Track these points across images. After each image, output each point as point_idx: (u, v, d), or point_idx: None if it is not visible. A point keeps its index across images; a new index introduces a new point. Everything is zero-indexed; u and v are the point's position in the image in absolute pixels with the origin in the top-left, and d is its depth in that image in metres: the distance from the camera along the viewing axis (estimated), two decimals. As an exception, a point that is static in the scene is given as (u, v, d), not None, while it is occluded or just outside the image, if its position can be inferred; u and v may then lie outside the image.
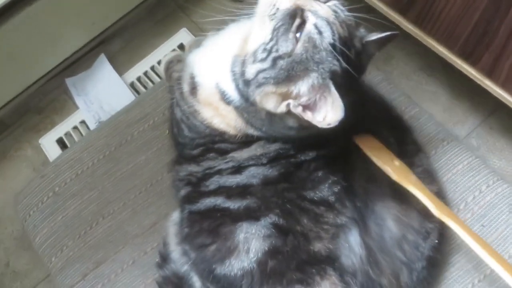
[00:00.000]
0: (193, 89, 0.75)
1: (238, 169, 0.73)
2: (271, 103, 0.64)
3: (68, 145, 1.13)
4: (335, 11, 0.64)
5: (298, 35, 0.62)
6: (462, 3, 0.73)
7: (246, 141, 0.73)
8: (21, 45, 1.06)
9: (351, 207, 0.70)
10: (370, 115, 0.78)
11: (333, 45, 0.61)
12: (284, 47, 0.62)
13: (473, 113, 1.07)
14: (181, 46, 1.21)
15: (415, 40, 0.91)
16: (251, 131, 0.71)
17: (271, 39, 0.63)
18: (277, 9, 0.63)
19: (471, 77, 0.83)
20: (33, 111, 1.20)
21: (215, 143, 0.75)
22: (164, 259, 0.84)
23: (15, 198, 0.98)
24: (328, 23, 0.62)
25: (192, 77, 0.76)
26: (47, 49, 1.11)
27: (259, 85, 0.64)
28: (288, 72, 0.61)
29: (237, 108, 0.70)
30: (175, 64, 1.03)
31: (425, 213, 0.73)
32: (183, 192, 0.80)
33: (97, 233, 0.92)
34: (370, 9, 1.00)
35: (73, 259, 0.91)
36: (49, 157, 1.13)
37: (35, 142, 1.16)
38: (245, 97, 0.67)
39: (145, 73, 1.20)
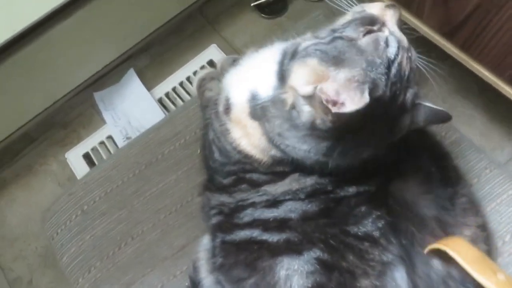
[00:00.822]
0: (227, 109, 0.74)
1: (274, 203, 0.70)
2: (302, 77, 0.60)
3: (95, 160, 1.11)
4: (409, 48, 0.64)
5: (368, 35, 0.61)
6: (516, 31, 0.70)
7: (276, 172, 0.70)
8: (52, 59, 1.05)
9: (397, 244, 0.67)
10: (410, 143, 0.76)
11: (390, 62, 0.60)
12: (350, 32, 0.62)
13: (512, 138, 1.04)
14: (211, 62, 1.20)
15: (452, 62, 0.88)
16: (273, 152, 0.68)
17: (342, 25, 0.64)
18: (364, 10, 0.66)
19: (519, 104, 0.80)
20: (60, 125, 1.19)
21: (246, 172, 0.73)
22: (195, 285, 0.81)
23: (43, 215, 0.96)
24: (399, 45, 0.62)
25: (227, 99, 0.74)
26: (77, 64, 1.10)
27: (305, 55, 0.61)
28: (339, 53, 0.59)
29: (262, 117, 0.67)
30: (208, 81, 1.01)
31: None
32: (214, 220, 0.77)
33: (126, 254, 0.90)
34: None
35: (101, 281, 0.89)
36: (75, 172, 1.11)
37: (61, 156, 1.14)
38: (282, 75, 0.64)
39: (174, 89, 1.18)
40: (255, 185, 0.72)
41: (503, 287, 0.61)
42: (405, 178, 0.73)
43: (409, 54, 0.63)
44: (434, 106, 0.66)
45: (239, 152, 0.72)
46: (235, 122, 0.72)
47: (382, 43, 0.61)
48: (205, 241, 0.81)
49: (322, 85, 0.57)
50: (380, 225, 0.67)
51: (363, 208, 0.68)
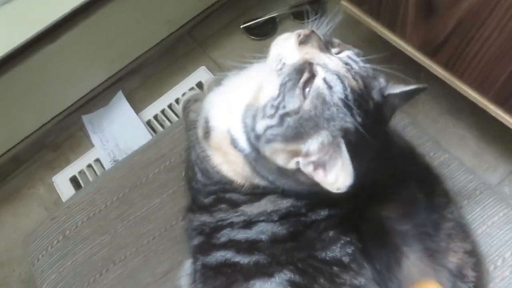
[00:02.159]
0: (206, 133, 0.73)
1: (248, 224, 0.70)
2: (280, 159, 0.61)
3: (82, 184, 1.10)
4: (347, 63, 0.60)
5: (307, 90, 0.58)
6: (498, 48, 0.69)
7: (255, 193, 0.69)
8: (39, 82, 1.05)
9: (370, 268, 0.65)
10: (396, 167, 0.74)
11: (344, 101, 0.57)
12: (291, 103, 0.58)
13: (505, 158, 1.02)
14: (200, 85, 1.19)
15: (442, 82, 0.87)
16: (257, 180, 0.68)
17: (278, 95, 0.60)
18: (284, 64, 0.60)
19: (507, 124, 0.79)
20: (49, 148, 1.18)
21: (226, 191, 0.72)
22: (178, 312, 0.79)
23: (25, 240, 0.94)
24: (339, 77, 0.58)
25: (207, 122, 0.73)
26: (65, 87, 1.10)
27: (268, 141, 0.61)
28: (297, 130, 0.58)
29: (246, 157, 0.67)
30: (192, 103, 1.00)
31: (457, 272, 0.68)
32: (195, 241, 0.76)
33: (107, 281, 0.88)
34: (391, 59, 0.98)
35: (81, 308, 0.86)
36: (61, 196, 1.10)
37: (48, 180, 1.13)
38: (256, 150, 0.64)
39: (163, 111, 1.18)
40: (234, 205, 0.71)
41: None
42: (385, 204, 0.70)
43: (352, 71, 0.60)
44: (404, 89, 0.63)
45: (222, 177, 0.71)
46: (215, 148, 0.71)
47: (325, 91, 0.57)
48: (187, 265, 0.79)
49: (300, 160, 0.59)
50: (349, 250, 0.65)
51: (330, 233, 0.66)
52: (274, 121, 0.60)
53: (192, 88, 1.19)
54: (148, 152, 0.99)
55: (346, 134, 0.57)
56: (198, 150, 0.74)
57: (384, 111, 0.63)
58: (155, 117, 1.18)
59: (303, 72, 0.59)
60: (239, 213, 0.70)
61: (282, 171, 0.63)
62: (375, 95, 0.62)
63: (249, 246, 0.68)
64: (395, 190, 0.71)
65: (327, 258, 0.65)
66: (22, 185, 1.15)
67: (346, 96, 0.58)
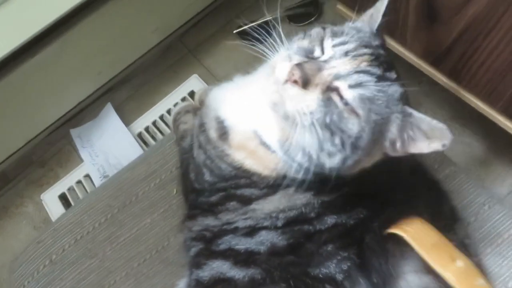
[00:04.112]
0: (223, 134, 0.69)
1: (252, 231, 0.66)
2: (365, 164, 0.61)
3: (71, 201, 1.06)
4: (346, 52, 0.58)
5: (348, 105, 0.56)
6: (507, 58, 0.64)
7: (275, 185, 0.66)
8: (25, 96, 1.00)
9: (366, 284, 0.62)
10: (406, 185, 0.70)
11: (379, 78, 0.56)
12: (352, 128, 0.56)
13: (514, 167, 0.96)
14: (192, 94, 1.14)
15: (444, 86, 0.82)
16: (297, 175, 0.64)
17: (332, 134, 0.56)
18: (310, 113, 0.56)
19: (517, 136, 0.73)
20: (37, 164, 1.14)
21: (238, 187, 0.69)
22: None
23: (11, 265, 0.90)
24: (356, 70, 0.56)
25: (220, 121, 0.69)
26: (52, 100, 1.05)
27: (349, 168, 0.60)
28: (373, 136, 0.57)
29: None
30: (183, 115, 0.96)
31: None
32: (193, 250, 0.73)
33: (97, 308, 0.84)
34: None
35: (69, 338, 0.82)
36: (50, 214, 1.06)
37: (37, 197, 1.09)
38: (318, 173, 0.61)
39: (154, 123, 1.13)
40: (245, 201, 0.68)
41: (461, 275, 0.57)
42: (391, 218, 0.67)
43: (352, 53, 0.58)
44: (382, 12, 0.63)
45: (240, 171, 0.68)
46: (237, 147, 0.68)
47: (360, 91, 0.56)
48: (182, 284, 0.75)
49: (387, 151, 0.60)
50: (345, 267, 0.62)
51: (329, 247, 0.63)
52: (347, 151, 0.58)
53: (184, 98, 1.14)
54: (138, 169, 0.94)
55: (403, 100, 0.57)
56: (210, 151, 0.71)
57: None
58: (146, 129, 1.13)
59: (331, 98, 0.56)
60: (247, 214, 0.67)
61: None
62: (373, 41, 0.61)
63: (247, 258, 0.65)
64: (403, 209, 0.68)
65: (320, 275, 0.62)
66: (10, 204, 1.11)
67: (378, 74, 0.57)
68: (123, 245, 0.88)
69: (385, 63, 0.58)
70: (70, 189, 1.08)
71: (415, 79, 1.00)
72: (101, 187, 0.95)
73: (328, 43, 0.59)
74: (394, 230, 0.61)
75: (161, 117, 1.13)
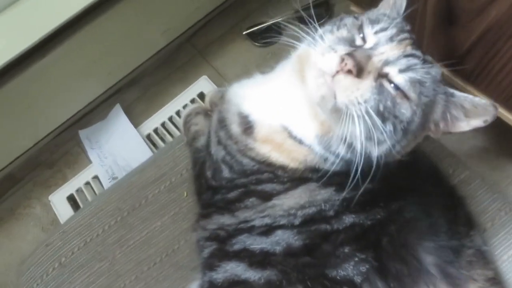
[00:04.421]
0: (248, 128, 0.68)
1: (268, 230, 0.66)
2: (409, 147, 0.61)
3: (79, 203, 1.05)
4: (391, 38, 0.58)
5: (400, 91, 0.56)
6: (528, 62, 0.62)
7: (300, 178, 0.66)
8: (34, 98, 1.00)
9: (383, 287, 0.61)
10: (423, 188, 0.69)
11: (424, 62, 0.58)
12: (405, 113, 0.57)
13: (529, 172, 0.95)
14: (202, 95, 1.13)
15: (457, 88, 0.80)
16: (325, 166, 0.64)
17: (385, 120, 0.56)
18: (365, 101, 0.55)
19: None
20: (45, 165, 1.13)
21: (259, 183, 0.68)
22: None
23: (19, 268, 0.89)
24: (403, 55, 0.57)
25: (243, 116, 0.69)
26: (60, 102, 1.05)
27: (398, 151, 0.60)
28: (423, 118, 0.58)
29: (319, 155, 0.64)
30: (193, 117, 0.95)
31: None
32: (207, 251, 0.72)
33: (106, 312, 0.83)
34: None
35: None
36: (58, 216, 1.05)
37: (45, 199, 1.08)
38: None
39: (163, 124, 1.12)
40: (265, 197, 0.67)
41: None
42: (409, 224, 0.66)
43: (397, 37, 0.59)
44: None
45: (265, 165, 0.67)
46: (263, 141, 0.67)
47: (410, 74, 0.57)
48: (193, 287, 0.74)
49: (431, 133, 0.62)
50: (363, 269, 0.61)
51: (346, 249, 0.62)
52: (398, 136, 0.58)
53: (193, 99, 1.13)
54: (147, 172, 0.93)
55: (443, 81, 0.59)
56: (232, 146, 0.70)
57: None
58: (155, 130, 1.12)
59: (383, 85, 0.56)
60: (266, 212, 0.66)
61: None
62: (405, 26, 0.61)
63: (262, 259, 0.64)
64: (420, 215, 0.67)
65: (338, 277, 0.61)
66: (17, 205, 1.10)
67: (423, 58, 0.58)
68: (133, 248, 0.87)
69: (419, 47, 0.60)
70: (79, 190, 1.07)
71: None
72: (110, 189, 0.94)
73: (368, 30, 0.59)
74: None
75: (170, 119, 1.13)
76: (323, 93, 0.56)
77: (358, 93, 0.55)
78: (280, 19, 1.18)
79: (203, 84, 1.15)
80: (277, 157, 0.66)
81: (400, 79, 0.56)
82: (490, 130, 0.99)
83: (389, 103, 0.55)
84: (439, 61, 0.79)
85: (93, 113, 1.14)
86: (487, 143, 0.99)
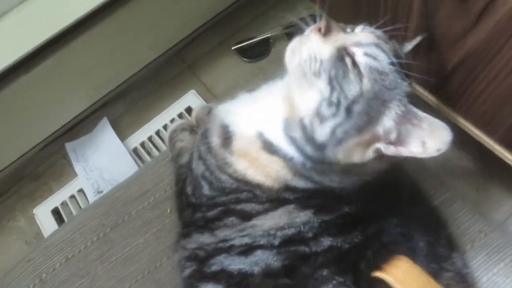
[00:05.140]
0: (226, 139, 0.68)
1: (247, 250, 0.65)
2: (357, 155, 0.59)
3: (64, 216, 1.04)
4: (372, 32, 0.61)
5: (357, 71, 0.57)
6: (506, 88, 0.64)
7: (278, 199, 0.65)
8: (19, 111, 0.99)
9: None
10: (405, 213, 0.69)
11: (393, 65, 0.58)
12: (352, 90, 0.56)
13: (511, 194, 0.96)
14: (189, 110, 1.14)
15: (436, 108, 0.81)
16: (295, 182, 0.64)
17: (332, 91, 0.57)
18: (321, 61, 0.58)
19: (514, 166, 0.73)
20: (30, 177, 1.12)
21: (239, 202, 0.68)
22: None
23: (0, 282, 0.88)
24: (376, 45, 0.58)
25: (225, 126, 0.69)
26: (46, 115, 1.04)
27: (339, 142, 0.58)
28: (367, 113, 0.57)
29: (289, 161, 0.63)
30: (179, 133, 0.95)
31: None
32: (187, 272, 0.72)
33: (86, 330, 0.83)
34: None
35: None
36: (42, 229, 1.04)
37: (29, 211, 1.07)
38: (317, 159, 0.61)
39: (150, 138, 1.12)
40: (245, 217, 0.67)
41: None
42: (387, 246, 0.67)
43: (382, 38, 0.61)
44: (413, 42, 0.68)
45: (243, 183, 0.67)
46: (239, 154, 0.67)
47: (374, 63, 0.57)
48: None
49: (379, 146, 0.58)
50: None
51: (325, 272, 0.62)
52: (340, 117, 0.57)
53: (181, 114, 1.14)
54: (132, 187, 0.94)
55: (410, 98, 0.58)
56: (210, 160, 0.70)
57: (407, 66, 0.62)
58: (142, 144, 1.12)
59: (344, 59, 0.57)
60: (246, 231, 0.66)
61: (346, 170, 0.61)
62: (402, 52, 0.63)
63: (240, 281, 0.64)
64: (399, 239, 0.68)
65: None
66: (1, 217, 1.09)
67: (392, 61, 0.58)
68: (114, 265, 0.87)
69: (405, 67, 0.59)
70: (64, 203, 1.07)
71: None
72: (94, 205, 0.93)
73: (359, 27, 0.62)
74: (379, 274, 0.60)
75: (157, 133, 1.13)
76: (293, 47, 0.61)
77: (318, 50, 0.58)
78: (269, 35, 1.19)
79: (191, 99, 1.15)
80: (253, 175, 0.66)
81: (362, 59, 0.57)
82: (472, 151, 1.00)
83: (341, 72, 0.57)
84: (419, 84, 0.80)
85: (80, 126, 1.14)
86: (470, 164, 0.99)
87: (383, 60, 0.57)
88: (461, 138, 1.00)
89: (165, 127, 1.13)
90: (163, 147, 1.10)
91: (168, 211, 0.90)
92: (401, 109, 0.57)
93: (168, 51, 1.14)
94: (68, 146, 1.12)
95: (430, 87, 0.78)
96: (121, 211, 0.91)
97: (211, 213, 0.70)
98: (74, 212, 1.04)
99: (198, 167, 0.72)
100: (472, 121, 0.74)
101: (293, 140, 0.62)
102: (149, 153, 1.11)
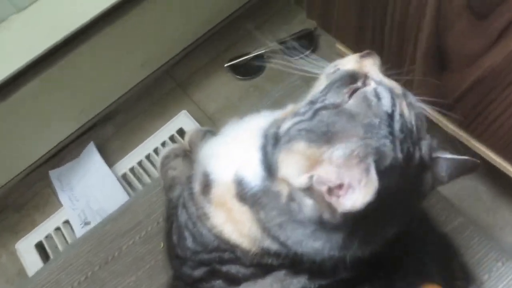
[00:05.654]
0: (206, 187, 0.61)
1: None
2: (293, 167, 0.49)
3: (48, 251, 0.97)
4: (404, 93, 0.54)
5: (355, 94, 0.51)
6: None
7: (262, 264, 0.57)
8: (1, 137, 0.93)
9: None
10: (415, 243, 0.63)
11: (389, 118, 0.49)
12: (333, 98, 0.51)
13: (524, 214, 0.91)
14: (181, 132, 1.07)
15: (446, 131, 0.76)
16: (267, 242, 0.56)
17: (321, 91, 0.53)
18: (338, 68, 0.56)
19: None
20: (11, 209, 1.05)
21: (223, 262, 0.60)
22: None
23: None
24: (392, 94, 0.51)
25: (206, 175, 0.62)
26: (29, 141, 0.98)
27: (289, 139, 0.50)
28: (328, 127, 0.49)
29: (254, 203, 0.55)
30: (172, 159, 0.89)
31: None
32: None
33: None
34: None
35: None
36: (25, 266, 0.97)
37: (12, 246, 1.00)
38: (269, 166, 0.52)
39: (140, 163, 1.06)
40: (233, 280, 0.59)
41: None
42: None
43: (408, 100, 0.53)
44: (456, 156, 0.54)
45: (222, 241, 0.59)
46: (217, 204, 0.59)
47: (373, 98, 0.50)
48: None
49: (318, 172, 0.47)
50: None
51: None
52: (306, 116, 0.51)
53: (172, 136, 1.07)
54: (121, 220, 0.87)
55: (379, 159, 0.46)
56: (192, 209, 0.63)
57: (427, 176, 0.53)
58: (132, 170, 1.05)
59: (357, 79, 0.53)
60: None
61: (295, 216, 0.51)
62: (424, 146, 0.52)
63: None
64: (410, 267, 0.61)
65: None
66: (-19, 253, 1.02)
67: (392, 114, 0.49)
68: (104, 307, 0.80)
69: (406, 150, 0.50)
70: (48, 237, 0.99)
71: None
72: (81, 240, 0.87)
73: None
74: None
75: (148, 157, 1.06)
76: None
77: (347, 62, 0.57)
78: (263, 51, 1.14)
79: (183, 120, 1.09)
80: (230, 232, 0.58)
81: (369, 88, 0.52)
82: (482, 166, 0.96)
83: (339, 83, 0.53)
84: (429, 104, 0.75)
85: (65, 152, 1.07)
86: (478, 183, 0.95)
87: (384, 105, 0.50)
88: (465, 154, 0.96)
89: (156, 151, 1.06)
90: (154, 172, 1.04)
91: (162, 246, 0.84)
92: (359, 154, 0.46)
93: (160, 69, 1.08)
94: (52, 174, 1.05)
95: (441, 108, 0.72)
96: (110, 246, 0.84)
97: (197, 273, 0.63)
98: (59, 246, 0.97)
99: (182, 215, 0.66)
100: (487, 144, 0.69)
101: (265, 140, 0.55)
102: (139, 179, 1.04)
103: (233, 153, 0.61)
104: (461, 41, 0.59)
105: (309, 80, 1.05)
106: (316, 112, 0.50)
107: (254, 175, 0.55)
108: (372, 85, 0.52)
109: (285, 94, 0.98)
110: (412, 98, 0.54)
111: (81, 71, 0.95)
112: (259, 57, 1.14)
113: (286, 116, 0.54)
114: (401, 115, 0.50)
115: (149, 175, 1.04)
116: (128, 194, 1.00)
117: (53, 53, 0.87)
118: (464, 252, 0.76)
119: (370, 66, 0.56)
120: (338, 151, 0.46)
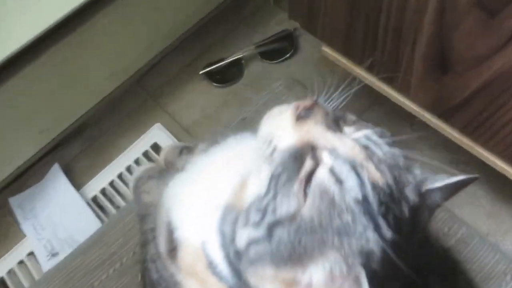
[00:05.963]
0: (172, 250, 0.51)
1: None
2: None
3: (12, 288, 0.87)
4: (366, 147, 0.42)
5: (309, 187, 0.40)
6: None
7: None
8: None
9: None
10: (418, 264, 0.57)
11: (363, 205, 0.39)
12: (285, 206, 0.40)
13: (526, 218, 0.87)
14: (156, 147, 0.99)
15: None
16: None
17: (266, 193, 0.41)
18: (274, 147, 0.43)
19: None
20: (-32, 242, 0.94)
21: None
22: None
23: None
24: (354, 167, 0.40)
25: (170, 230, 0.52)
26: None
27: (252, 262, 0.42)
28: (293, 248, 0.39)
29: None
30: (146, 181, 0.80)
31: None
32: None
33: None
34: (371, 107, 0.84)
35: None
36: (-15, 309, 0.87)
37: (-31, 285, 0.89)
38: (237, 273, 0.45)
39: (111, 184, 0.96)
40: None
41: None
42: None
43: (375, 157, 0.42)
44: (451, 180, 0.45)
45: None
46: (187, 271, 0.50)
47: (333, 186, 0.40)
48: None
49: None
50: None
51: None
52: (259, 232, 0.41)
53: (146, 152, 0.99)
54: (92, 252, 0.78)
55: (368, 260, 0.39)
56: (162, 272, 0.54)
57: (421, 215, 0.44)
58: (103, 191, 0.96)
59: (303, 160, 0.41)
60: None
61: None
62: (410, 193, 0.43)
63: None
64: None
65: None
66: None
67: (366, 197, 0.39)
68: None
69: (392, 218, 0.43)
70: (11, 272, 0.89)
71: (405, 120, 0.90)
72: (46, 278, 0.77)
73: (364, 131, 0.45)
74: None
75: (120, 176, 0.97)
76: (269, 115, 0.46)
77: (280, 133, 0.44)
78: (240, 55, 1.06)
79: (157, 134, 1.00)
80: None
81: (322, 174, 0.41)
82: (481, 170, 0.91)
83: (285, 176, 0.41)
84: (428, 110, 0.69)
85: (26, 176, 0.97)
86: (477, 188, 0.90)
87: (350, 191, 0.39)
88: (461, 157, 0.91)
89: (128, 169, 0.97)
90: (127, 193, 0.94)
91: (139, 278, 0.75)
92: (342, 268, 0.39)
93: (129, 80, 0.99)
94: (13, 201, 0.95)
95: (442, 114, 0.67)
96: (81, 283, 0.75)
97: None
98: (24, 283, 0.87)
99: (152, 271, 0.57)
100: (495, 151, 0.64)
101: (223, 238, 0.46)
102: (111, 202, 0.95)
103: (197, 207, 0.51)
104: (468, 41, 0.53)
105: (292, 87, 0.98)
106: (270, 230, 0.41)
107: (223, 267, 0.47)
108: (325, 162, 0.41)
109: (268, 101, 0.90)
110: (378, 149, 0.43)
111: (40, 86, 0.85)
112: (237, 62, 1.06)
113: (240, 209, 0.44)
114: (374, 186, 0.40)
115: (122, 197, 0.95)
116: (100, 219, 0.91)
117: (6, 66, 0.77)
118: (471, 265, 0.71)
119: (315, 130, 0.43)
120: (316, 275, 0.39)
